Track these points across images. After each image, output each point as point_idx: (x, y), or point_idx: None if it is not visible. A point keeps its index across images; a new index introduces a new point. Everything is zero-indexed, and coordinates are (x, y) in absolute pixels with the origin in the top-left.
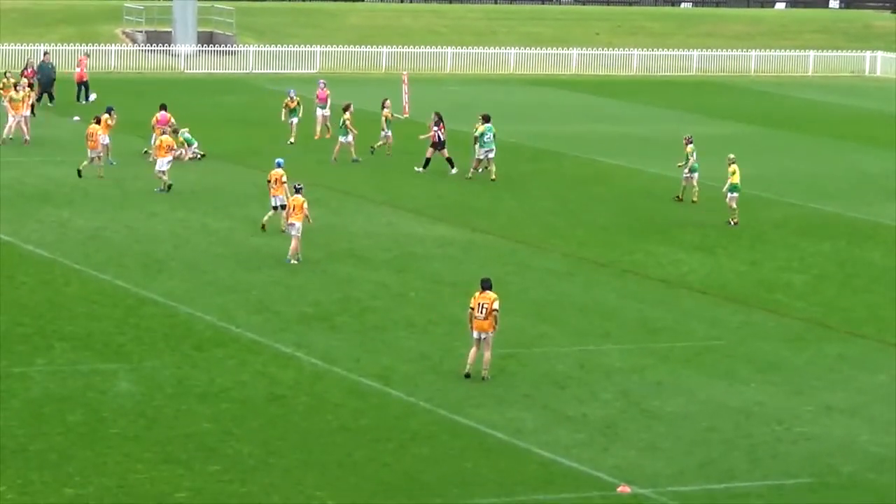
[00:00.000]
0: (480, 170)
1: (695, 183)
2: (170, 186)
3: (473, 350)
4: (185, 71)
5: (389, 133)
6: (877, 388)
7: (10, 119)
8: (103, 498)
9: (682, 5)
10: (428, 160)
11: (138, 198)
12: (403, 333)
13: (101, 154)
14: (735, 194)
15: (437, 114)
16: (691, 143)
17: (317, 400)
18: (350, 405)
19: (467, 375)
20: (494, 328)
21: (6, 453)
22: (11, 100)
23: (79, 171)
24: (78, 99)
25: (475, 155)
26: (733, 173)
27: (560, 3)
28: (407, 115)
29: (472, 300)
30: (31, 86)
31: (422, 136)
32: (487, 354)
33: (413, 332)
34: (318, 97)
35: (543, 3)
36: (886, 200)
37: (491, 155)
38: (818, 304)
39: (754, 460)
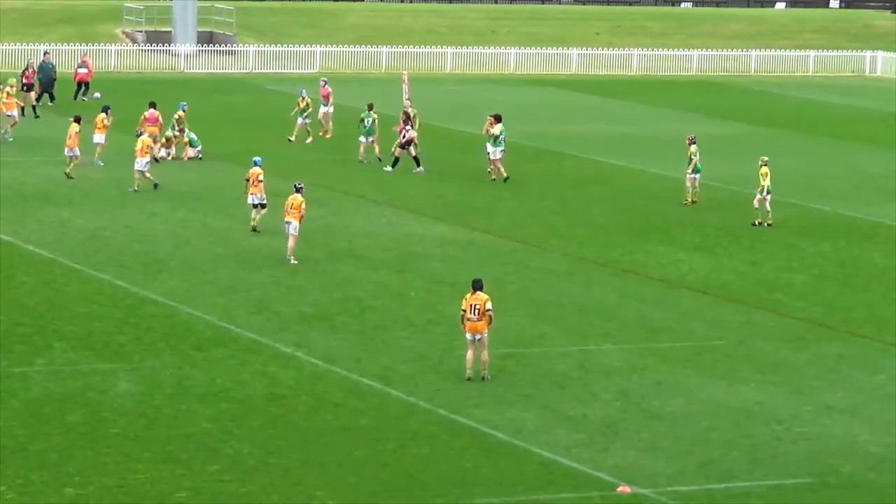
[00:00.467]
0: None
1: (696, 184)
2: (156, 185)
3: (470, 353)
4: (185, 71)
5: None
6: (877, 388)
7: None
8: (103, 498)
9: (682, 5)
10: (396, 159)
11: (138, 198)
12: (403, 333)
13: (78, 154)
14: (768, 196)
15: (406, 112)
16: (694, 143)
17: (317, 400)
18: (350, 405)
19: (468, 379)
20: (489, 325)
21: (6, 453)
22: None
23: (67, 175)
24: (75, 98)
25: (491, 156)
26: (765, 175)
27: (560, 3)
28: None
29: (464, 302)
30: (29, 87)
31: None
32: (485, 354)
33: (413, 332)
34: (321, 95)
35: (543, 3)
36: (886, 200)
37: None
38: (818, 304)
39: (754, 460)
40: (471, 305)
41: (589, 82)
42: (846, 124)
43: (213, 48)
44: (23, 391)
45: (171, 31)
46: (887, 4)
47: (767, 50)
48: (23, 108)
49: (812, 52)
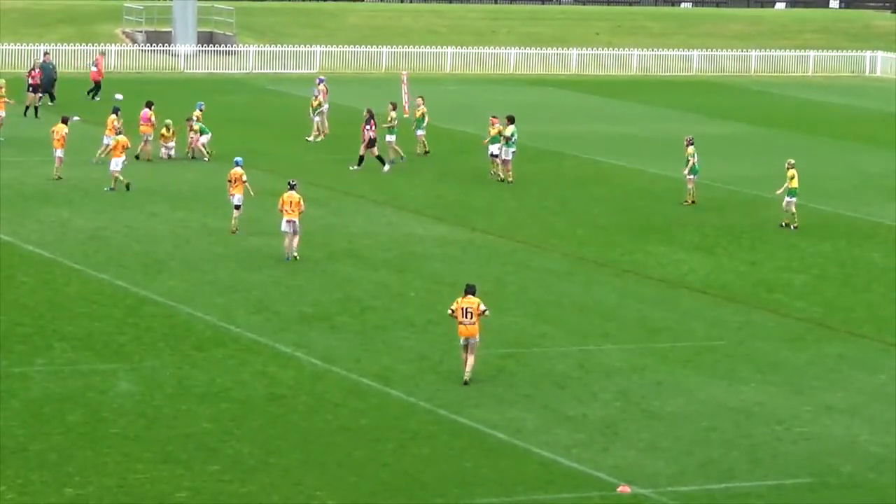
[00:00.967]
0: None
1: (693, 185)
2: (128, 185)
3: (465, 356)
4: (185, 71)
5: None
6: (877, 388)
7: None
8: (103, 498)
9: (682, 5)
10: (361, 158)
11: (138, 198)
12: (403, 333)
13: (62, 156)
14: (793, 199)
15: (369, 110)
16: (692, 144)
17: (317, 400)
18: (350, 405)
19: (466, 383)
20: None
21: (6, 453)
22: None
23: (58, 178)
24: (90, 96)
25: (501, 156)
26: (791, 178)
27: (560, 3)
28: (406, 115)
29: (455, 303)
30: (35, 88)
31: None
32: (471, 359)
33: (413, 332)
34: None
35: (543, 3)
36: (886, 200)
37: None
38: (818, 304)
39: (754, 460)
40: (463, 309)
41: (589, 82)
42: (846, 124)
43: (213, 48)
44: (23, 391)
45: (171, 32)
46: (887, 4)
47: (767, 50)
48: (26, 108)
49: (812, 53)
